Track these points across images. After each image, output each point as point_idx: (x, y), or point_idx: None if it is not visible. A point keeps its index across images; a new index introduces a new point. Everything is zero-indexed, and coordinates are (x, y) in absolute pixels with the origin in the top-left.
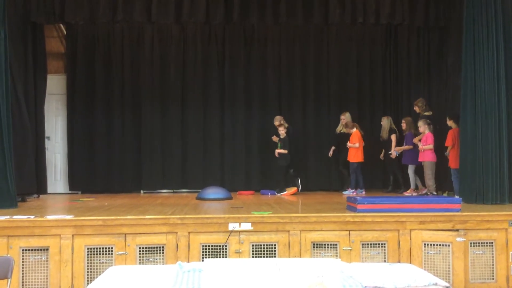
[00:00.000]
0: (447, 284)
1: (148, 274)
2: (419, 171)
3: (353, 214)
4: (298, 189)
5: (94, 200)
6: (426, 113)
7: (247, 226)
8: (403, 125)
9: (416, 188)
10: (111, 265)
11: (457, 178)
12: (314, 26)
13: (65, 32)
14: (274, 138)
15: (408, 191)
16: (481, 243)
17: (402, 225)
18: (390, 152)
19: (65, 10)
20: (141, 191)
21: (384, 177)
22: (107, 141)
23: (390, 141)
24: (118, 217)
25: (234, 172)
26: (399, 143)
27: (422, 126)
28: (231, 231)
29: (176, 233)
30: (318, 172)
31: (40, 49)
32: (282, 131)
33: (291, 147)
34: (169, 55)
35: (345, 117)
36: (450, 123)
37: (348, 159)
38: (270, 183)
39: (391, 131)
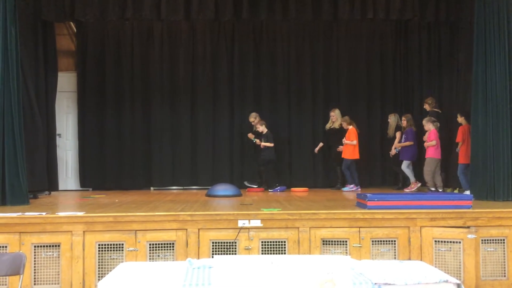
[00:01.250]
0: (458, 281)
1: (158, 271)
2: (415, 167)
3: (363, 210)
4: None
5: (104, 197)
6: (435, 110)
7: (256, 223)
8: (403, 122)
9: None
10: (122, 262)
11: (464, 173)
12: (323, 22)
13: (75, 30)
14: (250, 136)
15: (412, 185)
16: (493, 240)
17: (413, 222)
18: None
19: (75, 8)
20: (151, 188)
21: (384, 173)
22: (117, 138)
23: (395, 138)
24: (129, 214)
25: (244, 169)
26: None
27: (426, 125)
28: (241, 228)
29: (186, 229)
30: (327, 170)
31: (50, 47)
32: (260, 128)
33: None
34: (179, 52)
35: (335, 114)
36: (461, 119)
37: (343, 156)
38: (279, 180)
39: (397, 128)
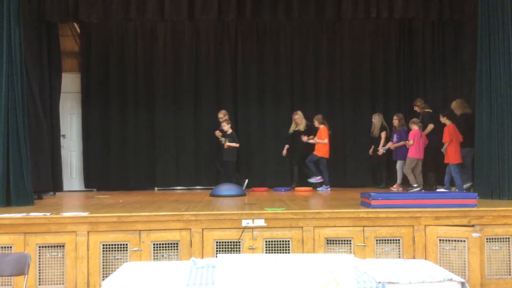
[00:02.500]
0: (463, 280)
1: (162, 270)
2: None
3: (367, 210)
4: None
5: (109, 197)
6: (427, 110)
7: (260, 222)
8: (395, 122)
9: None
10: (126, 262)
11: (458, 173)
12: (326, 21)
13: (79, 31)
14: (218, 133)
15: (395, 186)
16: (498, 238)
17: (417, 220)
18: (378, 149)
19: (79, 9)
20: (155, 188)
21: (373, 173)
22: (121, 138)
23: (380, 138)
24: (133, 214)
25: (248, 168)
26: (387, 140)
27: (411, 125)
28: (245, 227)
29: (190, 229)
30: (331, 168)
31: (54, 48)
32: (226, 127)
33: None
34: (182, 52)
35: (299, 116)
36: (443, 120)
37: (314, 153)
38: (284, 179)
39: (382, 128)
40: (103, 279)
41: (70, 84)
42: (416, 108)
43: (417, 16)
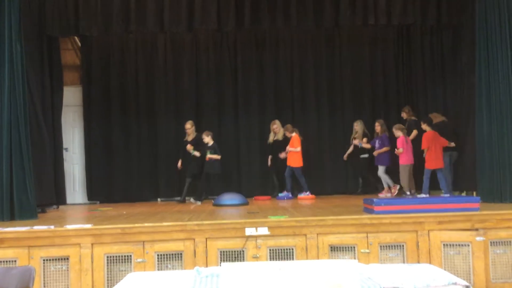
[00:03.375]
0: (467, 283)
1: (166, 280)
2: (391, 171)
3: (370, 216)
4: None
5: (112, 209)
6: (413, 118)
7: (264, 230)
8: (377, 128)
9: (388, 187)
10: (130, 273)
11: (428, 178)
12: (325, 29)
13: (79, 44)
14: (189, 147)
15: (383, 192)
16: (502, 242)
17: (420, 226)
18: (367, 155)
19: (79, 23)
20: (158, 199)
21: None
22: (123, 150)
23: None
24: (136, 225)
25: (250, 178)
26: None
27: (396, 132)
28: (248, 236)
29: (194, 239)
30: (333, 175)
31: (56, 61)
32: (207, 139)
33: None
34: (182, 63)
35: (277, 125)
36: (424, 126)
37: (288, 164)
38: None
39: (363, 135)
40: None
41: (71, 97)
42: (403, 115)
43: (415, 21)
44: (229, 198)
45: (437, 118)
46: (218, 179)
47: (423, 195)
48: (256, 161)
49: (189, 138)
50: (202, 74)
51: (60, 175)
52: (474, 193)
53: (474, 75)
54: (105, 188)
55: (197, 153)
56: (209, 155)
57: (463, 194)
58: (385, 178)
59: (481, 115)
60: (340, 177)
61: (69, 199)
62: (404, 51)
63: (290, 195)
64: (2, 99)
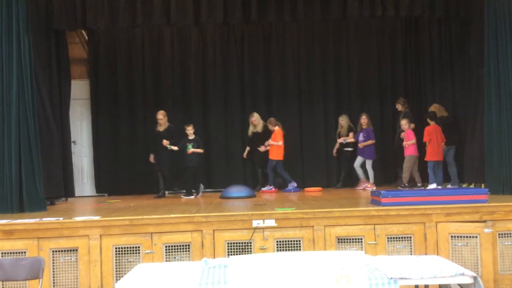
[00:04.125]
0: (474, 274)
1: (174, 270)
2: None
3: (377, 208)
4: (197, 193)
5: (120, 201)
6: (408, 110)
7: (271, 222)
8: (363, 121)
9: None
10: (139, 264)
11: (432, 169)
12: (332, 21)
13: (87, 38)
14: (166, 142)
15: (369, 185)
16: (510, 233)
17: (428, 217)
18: (351, 149)
19: (87, 17)
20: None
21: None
22: (131, 143)
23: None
24: (144, 217)
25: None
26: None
27: (405, 124)
28: (255, 228)
29: (201, 231)
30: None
31: (63, 55)
32: (190, 131)
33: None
34: (189, 56)
35: (255, 118)
36: (428, 120)
37: (269, 157)
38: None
39: (349, 129)
40: (117, 282)
41: (79, 91)
42: (398, 106)
43: (423, 13)
44: (236, 190)
45: (440, 112)
46: (203, 172)
47: (433, 186)
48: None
49: (161, 128)
50: (208, 67)
51: (69, 168)
52: (483, 185)
53: (482, 67)
54: (113, 181)
55: (174, 148)
56: (192, 149)
57: (471, 186)
58: (358, 172)
59: (489, 107)
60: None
61: (77, 192)
62: (412, 43)
63: (294, 187)
64: (11, 93)
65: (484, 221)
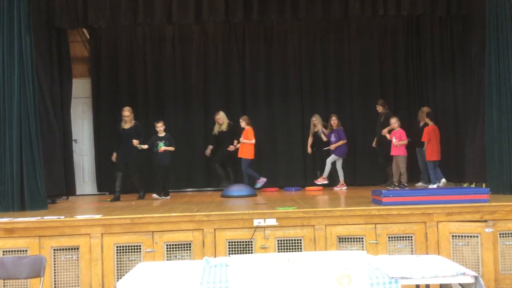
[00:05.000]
0: (475, 274)
1: (176, 269)
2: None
3: (378, 207)
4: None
5: (121, 200)
6: (388, 111)
7: (272, 221)
8: (334, 121)
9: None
10: (140, 263)
11: (433, 169)
12: (334, 20)
13: (88, 36)
14: (135, 142)
15: (339, 185)
16: (511, 233)
17: (429, 217)
18: (327, 148)
19: (88, 15)
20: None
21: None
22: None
23: (321, 137)
24: (145, 215)
25: (259, 169)
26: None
27: (396, 123)
28: (256, 227)
29: (202, 230)
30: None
31: (64, 53)
32: (161, 128)
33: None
34: (190, 55)
35: (220, 117)
36: (427, 120)
37: (240, 155)
38: (294, 179)
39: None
40: (118, 281)
41: (80, 89)
42: (379, 109)
43: (425, 12)
44: (237, 189)
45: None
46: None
47: (434, 185)
48: (265, 152)
49: (127, 126)
50: (210, 66)
51: (70, 166)
52: (484, 185)
53: (483, 66)
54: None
55: (144, 146)
56: (163, 147)
57: (472, 185)
58: (327, 169)
59: (490, 106)
60: (349, 168)
61: (78, 190)
62: (413, 42)
63: (263, 182)
64: (12, 91)
65: (485, 221)
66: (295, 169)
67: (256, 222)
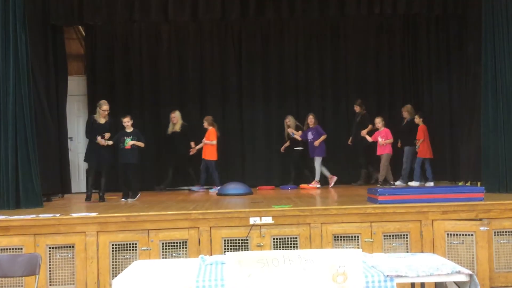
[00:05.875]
0: (470, 272)
1: (171, 267)
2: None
3: (374, 205)
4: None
5: (116, 198)
6: (365, 111)
7: (268, 219)
8: (311, 120)
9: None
10: (135, 261)
11: (420, 166)
12: (330, 19)
13: (84, 34)
14: (100, 141)
15: (313, 182)
16: (506, 232)
17: (424, 215)
18: (301, 148)
19: (84, 12)
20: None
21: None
22: None
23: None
24: (141, 214)
25: (254, 168)
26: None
27: (381, 123)
28: (252, 225)
29: (198, 228)
30: (337, 166)
31: (60, 51)
32: (128, 123)
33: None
34: (187, 53)
35: (176, 116)
36: (418, 120)
37: (203, 157)
38: (290, 178)
39: (296, 128)
40: (113, 279)
41: (76, 87)
42: (356, 109)
43: (421, 11)
44: (233, 187)
45: (410, 114)
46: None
47: (415, 183)
48: (261, 151)
49: (102, 121)
50: (206, 64)
51: (65, 164)
52: (479, 183)
53: (479, 65)
54: (110, 177)
55: (110, 142)
56: (132, 141)
57: (468, 184)
58: (321, 170)
59: (486, 105)
60: (345, 166)
61: (74, 188)
62: (409, 41)
63: (202, 187)
64: (7, 88)
65: (480, 219)
66: (290, 168)
67: (252, 220)
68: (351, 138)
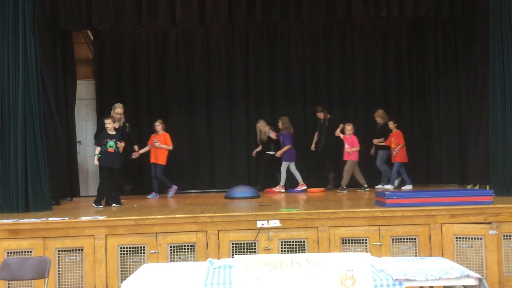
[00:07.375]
0: (480, 276)
1: (180, 271)
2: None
3: (382, 209)
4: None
5: (124, 201)
6: (330, 115)
7: (275, 223)
8: (279, 125)
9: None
10: (144, 264)
11: (397, 170)
12: (337, 22)
13: (92, 38)
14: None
15: (278, 187)
16: None
17: (433, 219)
18: (273, 153)
19: (92, 16)
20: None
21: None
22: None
23: (269, 142)
24: (149, 217)
25: (260, 170)
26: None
27: (351, 130)
28: (260, 229)
29: (206, 231)
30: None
31: (69, 55)
32: (109, 125)
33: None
34: (194, 56)
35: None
36: (392, 126)
37: (153, 161)
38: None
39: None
40: (122, 282)
41: (85, 91)
42: (320, 115)
43: (428, 14)
44: (240, 190)
45: (382, 118)
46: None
47: (390, 186)
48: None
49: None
50: (213, 67)
51: (74, 167)
52: (487, 187)
53: (487, 68)
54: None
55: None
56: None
57: (476, 187)
58: (285, 175)
59: (494, 107)
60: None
61: (82, 191)
62: (417, 44)
63: (175, 190)
64: (17, 92)
65: (489, 223)
66: (301, 168)
67: (259, 224)
68: (313, 144)
